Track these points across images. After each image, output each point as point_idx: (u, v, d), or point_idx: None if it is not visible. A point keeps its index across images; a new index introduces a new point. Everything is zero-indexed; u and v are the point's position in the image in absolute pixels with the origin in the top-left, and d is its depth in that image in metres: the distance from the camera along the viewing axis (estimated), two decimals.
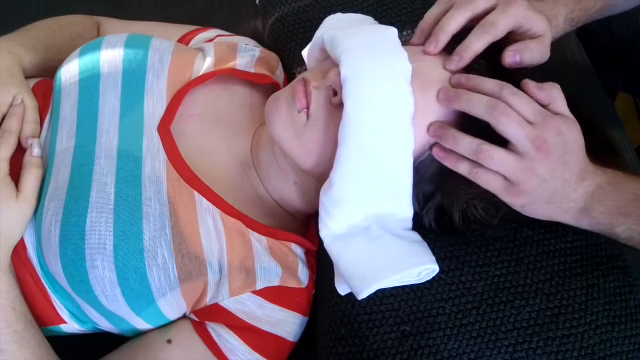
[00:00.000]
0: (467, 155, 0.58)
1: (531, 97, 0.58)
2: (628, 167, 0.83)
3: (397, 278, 0.58)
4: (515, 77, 0.61)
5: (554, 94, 0.58)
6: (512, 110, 0.56)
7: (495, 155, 0.56)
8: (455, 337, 0.64)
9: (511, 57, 0.61)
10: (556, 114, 0.58)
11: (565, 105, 0.59)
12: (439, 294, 0.66)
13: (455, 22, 0.61)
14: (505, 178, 0.57)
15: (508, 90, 0.57)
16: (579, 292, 0.66)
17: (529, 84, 0.58)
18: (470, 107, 0.57)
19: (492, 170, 0.57)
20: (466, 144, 0.58)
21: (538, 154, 0.55)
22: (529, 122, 0.56)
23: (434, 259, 0.60)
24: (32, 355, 0.62)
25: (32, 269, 0.66)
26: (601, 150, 0.63)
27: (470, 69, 0.62)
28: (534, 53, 0.61)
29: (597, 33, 1.02)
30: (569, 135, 0.57)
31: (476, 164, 0.58)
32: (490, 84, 0.58)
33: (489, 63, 0.62)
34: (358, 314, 0.67)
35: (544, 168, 0.56)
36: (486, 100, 0.57)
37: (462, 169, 0.59)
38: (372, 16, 0.77)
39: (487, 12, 0.61)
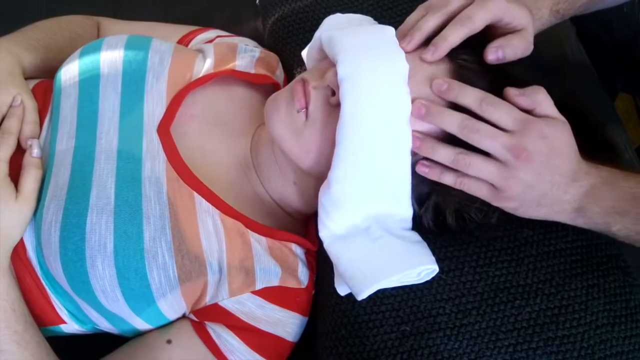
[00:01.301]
0: (446, 164, 0.58)
1: (513, 104, 0.57)
2: (628, 167, 0.83)
3: (396, 278, 0.58)
4: (509, 73, 0.61)
5: (538, 98, 0.58)
6: (484, 123, 0.56)
7: (472, 163, 0.57)
8: (455, 337, 0.64)
9: (493, 53, 0.61)
10: (544, 116, 0.57)
11: (552, 106, 0.58)
12: (439, 294, 0.66)
13: (430, 24, 0.61)
14: (491, 185, 0.58)
15: (487, 102, 0.57)
16: (579, 292, 0.66)
17: (510, 91, 0.58)
18: (442, 124, 0.58)
19: (475, 178, 0.58)
20: (444, 153, 0.58)
21: (518, 161, 0.55)
22: (509, 131, 0.56)
23: (433, 259, 0.60)
24: (31, 355, 0.62)
25: (32, 270, 0.66)
26: (601, 150, 0.63)
27: (461, 66, 0.61)
28: (516, 48, 0.61)
29: (597, 33, 1.02)
30: (555, 137, 0.57)
31: (460, 173, 0.58)
32: (470, 95, 0.58)
33: (479, 59, 0.62)
34: (358, 314, 0.67)
35: (527, 174, 0.56)
36: (457, 118, 0.57)
37: (447, 179, 0.59)
38: (372, 16, 0.77)
39: (465, 7, 0.61)
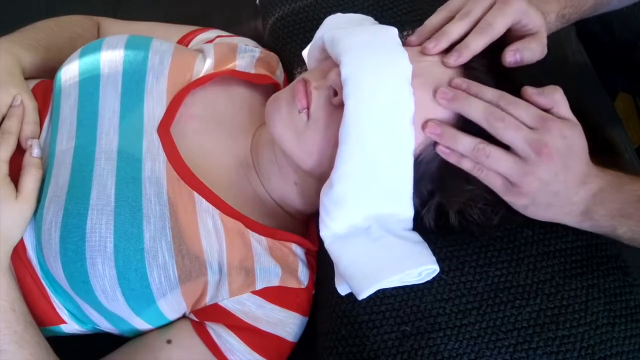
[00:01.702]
0: (465, 153, 0.58)
1: (532, 103, 0.58)
2: (628, 167, 0.83)
3: (397, 278, 0.58)
4: (515, 76, 0.61)
5: (555, 98, 0.58)
6: (510, 115, 0.56)
7: (491, 154, 0.57)
8: (455, 337, 0.64)
9: (511, 56, 0.61)
10: (559, 117, 0.57)
11: (568, 108, 0.58)
12: (439, 294, 0.66)
13: (458, 30, 0.62)
14: (507, 179, 0.57)
15: (505, 100, 0.57)
16: (579, 292, 0.66)
17: (529, 90, 0.58)
18: (467, 110, 0.58)
19: (492, 169, 0.58)
20: (464, 141, 0.58)
21: (539, 157, 0.55)
22: (529, 127, 0.56)
23: (434, 259, 0.60)
24: (31, 355, 0.62)
25: (32, 270, 0.66)
26: (601, 150, 0.63)
27: (470, 67, 0.62)
28: (534, 51, 0.62)
29: (598, 33, 1.02)
30: (572, 139, 0.57)
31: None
32: (489, 93, 0.58)
33: (490, 62, 0.62)
34: (358, 314, 0.67)
35: (546, 171, 0.56)
36: (483, 105, 0.57)
37: (466, 164, 0.59)
38: (372, 16, 0.77)
39: (487, 11, 0.62)
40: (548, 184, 0.57)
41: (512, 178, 0.57)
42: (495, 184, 0.59)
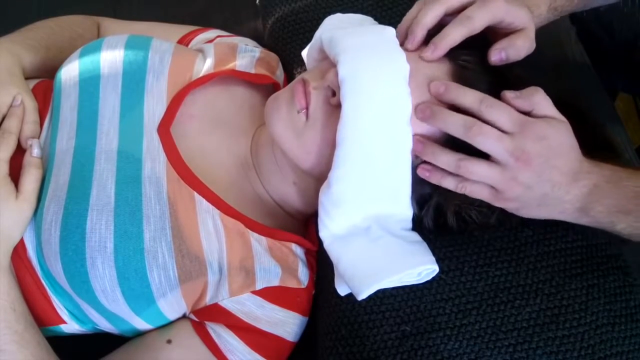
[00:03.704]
0: (448, 169, 0.58)
1: (511, 107, 0.57)
2: (628, 165, 0.83)
3: (396, 278, 0.58)
4: (509, 73, 0.61)
5: (535, 99, 0.58)
6: (488, 125, 0.56)
7: (474, 170, 0.57)
8: (455, 337, 0.64)
9: (496, 54, 0.61)
10: (542, 117, 0.57)
11: (551, 106, 0.58)
12: (439, 294, 0.66)
13: (429, 16, 0.61)
14: (492, 186, 0.58)
15: (486, 103, 0.57)
16: (579, 292, 0.66)
17: (507, 94, 0.58)
18: (446, 127, 0.58)
19: (476, 181, 0.58)
20: (445, 159, 0.58)
21: (517, 163, 0.55)
22: (508, 133, 0.56)
23: (433, 259, 0.60)
24: (31, 355, 0.62)
25: (32, 269, 0.66)
26: (601, 150, 0.63)
27: (462, 66, 0.62)
28: (520, 49, 0.61)
29: (598, 33, 1.02)
30: (554, 138, 0.56)
31: (461, 177, 0.58)
32: (469, 96, 0.58)
33: (480, 60, 0.62)
34: (358, 314, 0.67)
35: (526, 176, 0.56)
36: (461, 120, 0.57)
37: (448, 183, 0.59)
38: (372, 16, 0.77)
39: (465, 7, 0.61)
40: (532, 187, 0.57)
41: (496, 185, 0.57)
42: (482, 194, 0.59)
